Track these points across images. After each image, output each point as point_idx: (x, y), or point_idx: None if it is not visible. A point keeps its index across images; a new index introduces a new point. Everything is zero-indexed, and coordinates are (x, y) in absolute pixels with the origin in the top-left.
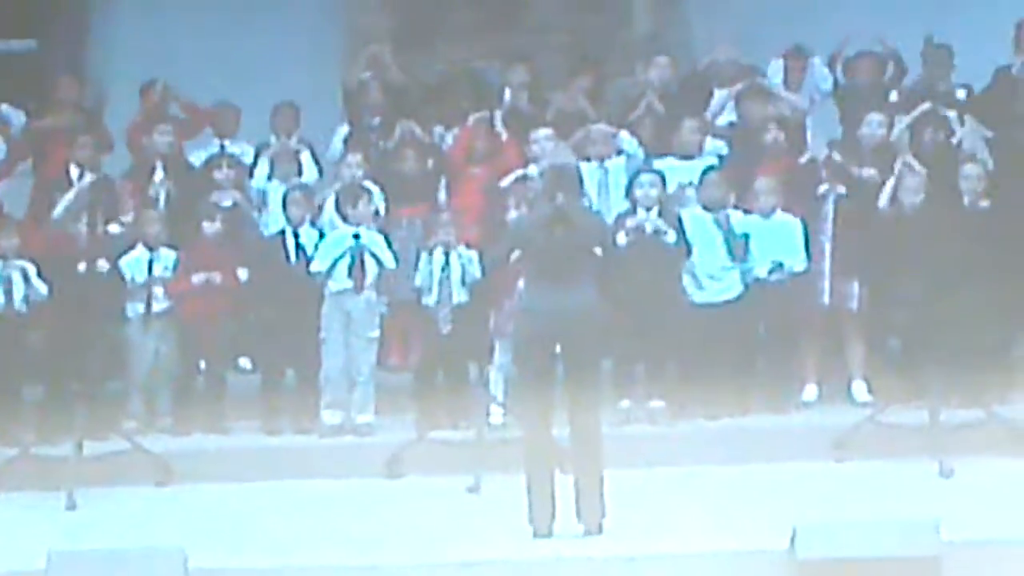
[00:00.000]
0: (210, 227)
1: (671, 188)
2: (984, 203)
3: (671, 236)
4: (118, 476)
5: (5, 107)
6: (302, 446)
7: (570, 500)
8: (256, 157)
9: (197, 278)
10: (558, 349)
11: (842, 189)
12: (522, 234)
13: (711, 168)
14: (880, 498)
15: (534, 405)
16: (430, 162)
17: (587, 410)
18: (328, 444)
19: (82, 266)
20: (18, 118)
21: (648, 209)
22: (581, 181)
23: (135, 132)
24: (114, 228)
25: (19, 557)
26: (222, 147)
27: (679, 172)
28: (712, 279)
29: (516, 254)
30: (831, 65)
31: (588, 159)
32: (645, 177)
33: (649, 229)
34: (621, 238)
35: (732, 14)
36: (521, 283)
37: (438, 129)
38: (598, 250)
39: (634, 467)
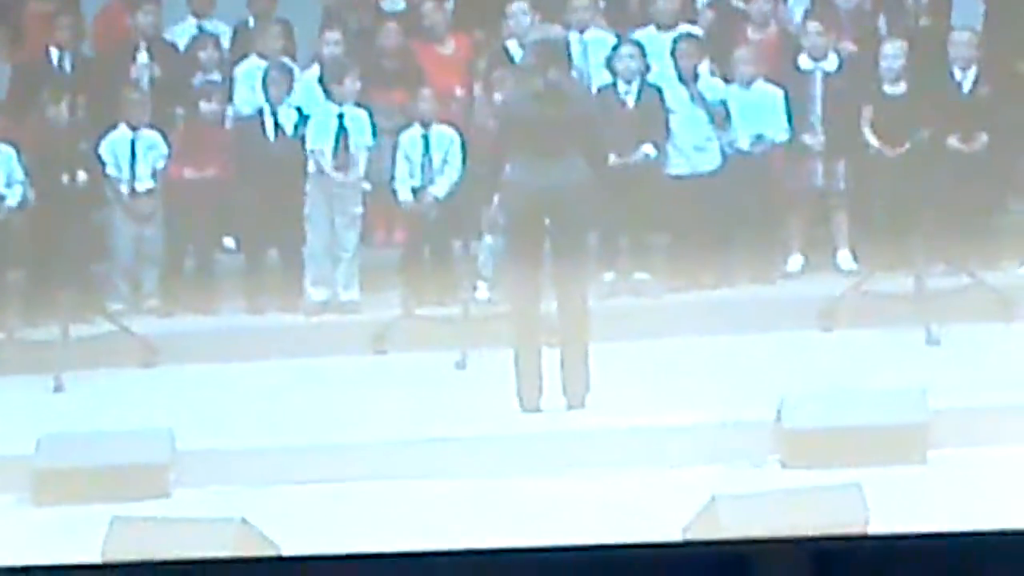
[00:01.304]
0: (206, 107)
1: (651, 59)
2: (971, 73)
3: (653, 108)
4: (105, 358)
5: None
6: (287, 325)
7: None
8: (234, 36)
9: (190, 164)
10: (547, 223)
11: (829, 66)
12: (510, 111)
13: (685, 35)
14: (867, 367)
15: (522, 279)
16: (408, 41)
17: (575, 283)
18: (313, 322)
19: (64, 149)
20: None
21: (628, 82)
22: (570, 54)
23: (113, 13)
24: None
25: (7, 441)
26: (200, 27)
27: (659, 43)
28: (693, 150)
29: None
30: None
31: (574, 28)
32: (625, 49)
33: (631, 102)
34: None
35: None
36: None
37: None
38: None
39: (619, 340)
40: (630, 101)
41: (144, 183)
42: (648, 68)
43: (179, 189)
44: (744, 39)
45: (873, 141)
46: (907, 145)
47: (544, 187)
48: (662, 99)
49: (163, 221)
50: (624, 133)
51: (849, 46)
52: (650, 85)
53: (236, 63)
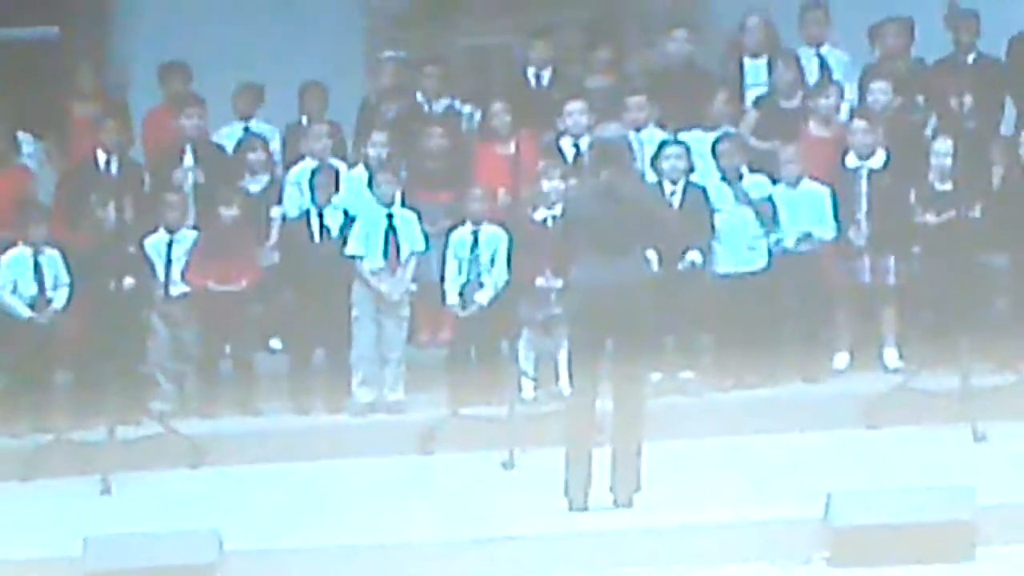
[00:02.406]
0: (227, 212)
1: (696, 160)
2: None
3: (698, 208)
4: (151, 460)
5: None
6: (334, 426)
7: (605, 473)
8: (284, 139)
9: (213, 265)
10: (609, 323)
11: (875, 164)
12: (573, 210)
13: (725, 134)
14: (914, 464)
15: (583, 377)
16: (457, 140)
17: (635, 382)
18: (360, 423)
19: (109, 252)
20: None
21: (674, 182)
22: (632, 153)
23: (160, 116)
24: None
25: (55, 543)
26: (246, 129)
27: (703, 143)
28: (739, 249)
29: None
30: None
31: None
32: (671, 149)
33: (676, 203)
34: None
35: None
36: (548, 267)
37: (465, 107)
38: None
39: (665, 439)
40: (675, 201)
41: (179, 287)
42: (692, 168)
43: (213, 293)
44: (793, 137)
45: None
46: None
47: (609, 285)
48: (707, 199)
49: (198, 324)
50: (671, 232)
51: (895, 143)
52: (695, 186)
53: (288, 166)
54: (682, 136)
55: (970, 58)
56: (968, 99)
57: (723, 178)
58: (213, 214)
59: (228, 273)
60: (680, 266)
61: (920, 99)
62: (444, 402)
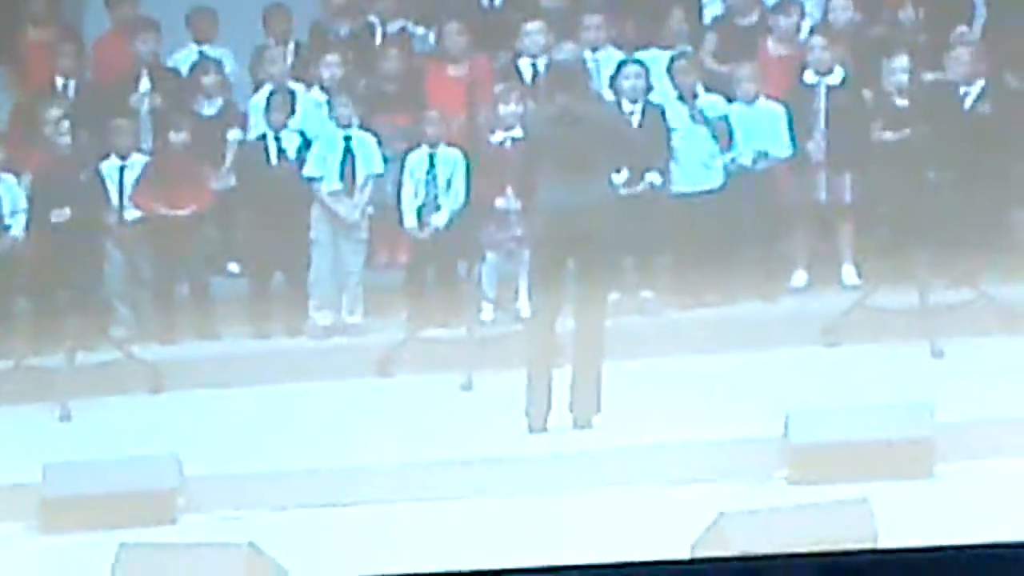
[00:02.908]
0: (176, 136)
1: (654, 79)
2: (974, 89)
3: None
4: (110, 385)
5: None
6: (293, 349)
7: (564, 394)
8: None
9: (162, 190)
10: (572, 243)
11: (833, 80)
12: (532, 132)
13: (681, 54)
14: (872, 382)
15: (545, 300)
16: (411, 63)
17: (595, 303)
18: (319, 346)
19: (66, 177)
20: None
21: (634, 101)
22: (589, 74)
23: (112, 41)
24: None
25: (14, 470)
26: (201, 53)
27: (661, 63)
28: (695, 168)
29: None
30: None
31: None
32: (630, 68)
33: (635, 123)
34: None
35: None
36: (510, 189)
37: (418, 29)
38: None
39: (624, 359)
40: (635, 121)
41: (132, 211)
42: (651, 88)
43: (167, 217)
44: (751, 56)
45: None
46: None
47: (570, 206)
48: (664, 118)
49: (152, 249)
50: (630, 153)
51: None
52: (653, 105)
53: (255, 90)
54: (639, 55)
55: None
56: (922, 12)
57: (679, 97)
58: (163, 139)
59: (179, 198)
60: (639, 186)
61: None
62: (402, 325)
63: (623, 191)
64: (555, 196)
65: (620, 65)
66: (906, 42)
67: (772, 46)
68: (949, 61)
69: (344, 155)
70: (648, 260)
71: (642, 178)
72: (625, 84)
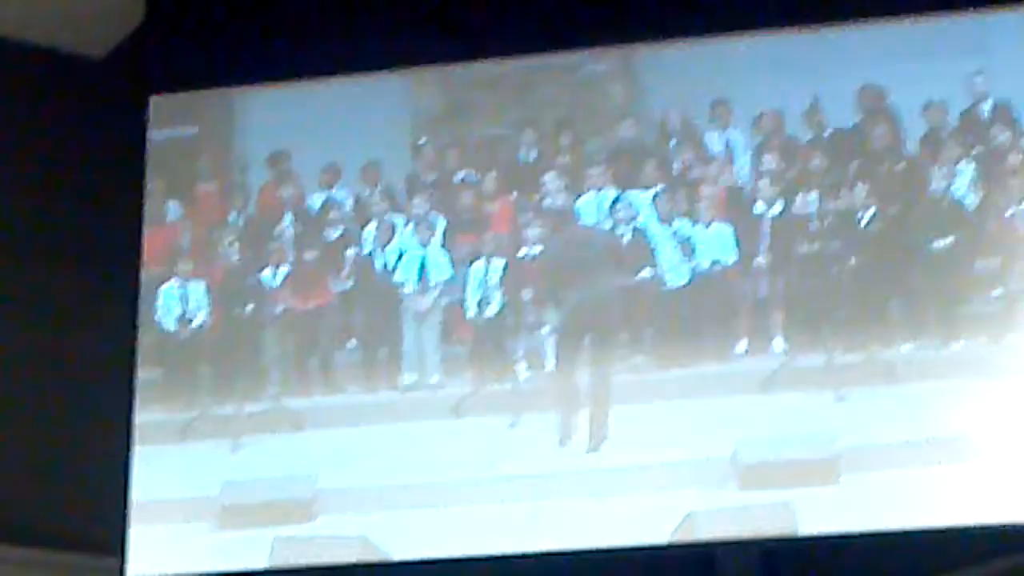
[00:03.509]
0: (310, 255)
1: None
2: (868, 214)
3: (641, 246)
4: (267, 426)
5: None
6: (391, 400)
7: (584, 430)
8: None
9: (298, 292)
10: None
11: (775, 211)
12: (550, 254)
13: (657, 193)
14: (795, 419)
15: (568, 364)
16: (473, 200)
17: (604, 367)
18: (408, 397)
19: (237, 282)
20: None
21: (626, 224)
22: (587, 210)
23: (269, 188)
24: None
25: (202, 487)
26: (328, 196)
27: (642, 199)
28: (671, 271)
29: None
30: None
31: (587, 191)
32: (620, 204)
33: (626, 241)
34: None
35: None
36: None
37: (477, 176)
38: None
39: (624, 404)
40: (626, 239)
41: (280, 306)
42: (636, 216)
43: (306, 310)
44: (706, 191)
45: (798, 263)
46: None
47: (586, 300)
48: (647, 237)
49: (295, 332)
50: (624, 262)
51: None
52: (638, 228)
53: (364, 224)
54: (628, 194)
55: (825, 134)
56: (826, 162)
57: (659, 221)
58: (301, 256)
59: (310, 296)
60: (635, 279)
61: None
62: (469, 382)
63: (619, 286)
64: (572, 293)
65: (614, 201)
66: (816, 182)
67: (718, 186)
68: (851, 195)
69: (420, 266)
70: (638, 335)
71: (634, 276)
72: (618, 215)
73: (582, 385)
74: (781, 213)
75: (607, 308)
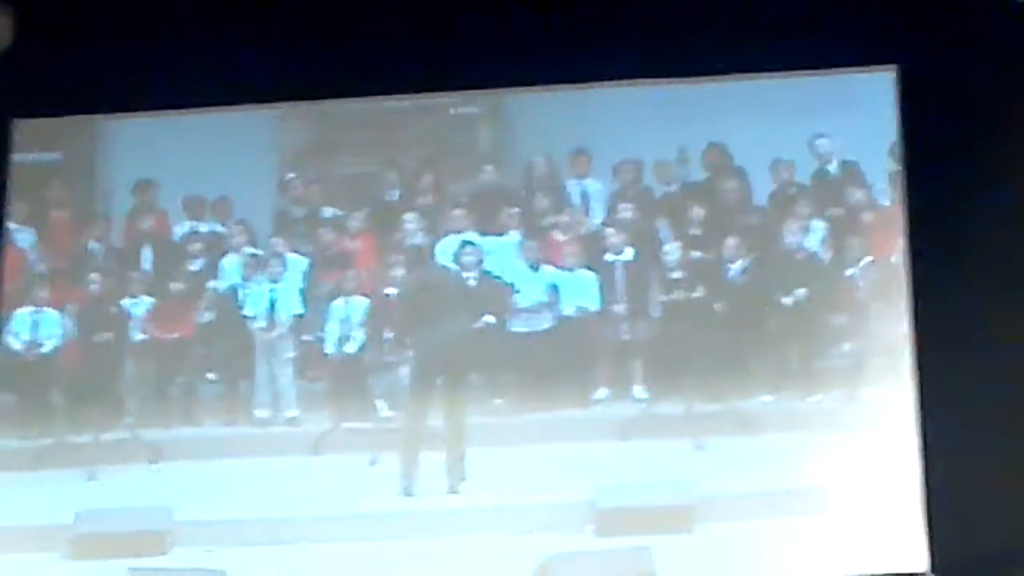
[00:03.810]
0: (175, 286)
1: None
2: (737, 266)
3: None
4: (123, 456)
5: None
6: (250, 434)
7: (436, 470)
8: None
9: (160, 322)
10: (438, 367)
11: (626, 258)
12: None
13: (524, 237)
14: (653, 465)
15: (420, 404)
16: (336, 237)
17: (457, 406)
18: (265, 433)
19: (95, 312)
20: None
21: (470, 269)
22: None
23: (133, 219)
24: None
25: (55, 515)
26: (191, 227)
27: (499, 245)
28: (530, 314)
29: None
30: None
31: (448, 233)
32: (467, 248)
33: (471, 284)
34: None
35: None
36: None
37: (341, 213)
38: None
39: (481, 446)
40: (471, 283)
41: (140, 335)
42: (482, 260)
43: (166, 342)
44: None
45: (658, 311)
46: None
47: (437, 341)
48: (501, 281)
49: (155, 362)
50: (470, 305)
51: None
52: (487, 272)
53: (222, 256)
54: (491, 239)
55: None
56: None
57: (529, 267)
58: (164, 287)
59: (172, 327)
60: (477, 325)
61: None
62: (328, 418)
63: (466, 330)
64: (424, 335)
65: (461, 245)
66: (679, 233)
67: (573, 234)
68: (723, 247)
69: (270, 302)
70: (496, 378)
71: (479, 320)
72: (465, 259)
73: (437, 426)
74: (635, 261)
75: (457, 350)
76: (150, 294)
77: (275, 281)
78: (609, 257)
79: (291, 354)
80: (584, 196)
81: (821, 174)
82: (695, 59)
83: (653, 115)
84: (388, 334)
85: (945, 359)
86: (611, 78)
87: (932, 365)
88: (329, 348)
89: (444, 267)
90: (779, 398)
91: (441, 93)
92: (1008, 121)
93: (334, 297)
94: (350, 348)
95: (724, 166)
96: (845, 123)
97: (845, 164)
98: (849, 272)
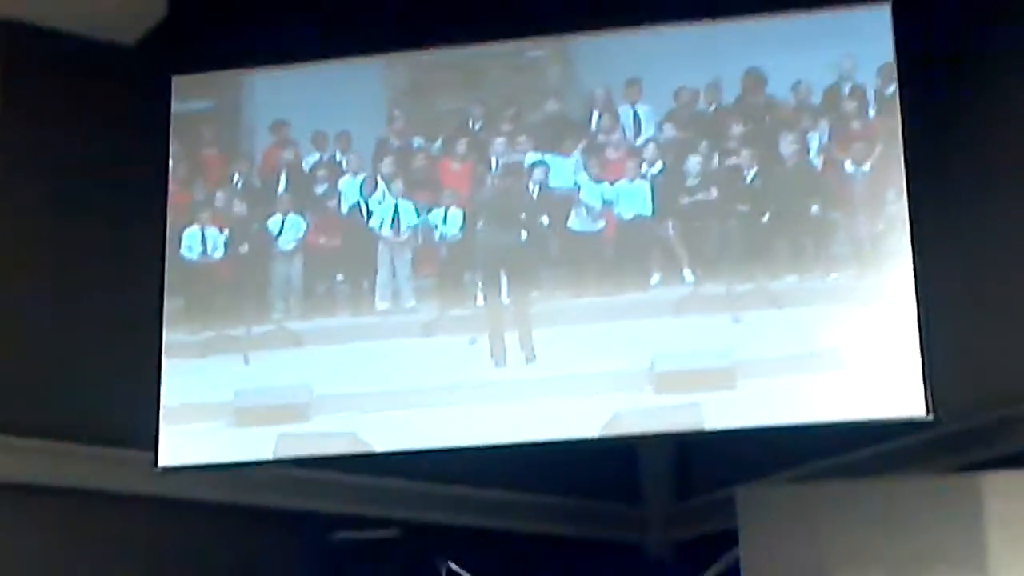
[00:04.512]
0: (308, 206)
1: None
2: (751, 173)
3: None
4: (271, 344)
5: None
6: (374, 323)
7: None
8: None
9: (318, 234)
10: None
11: (656, 170)
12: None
13: (584, 154)
14: (701, 336)
15: (493, 296)
16: (430, 163)
17: (525, 297)
18: (386, 321)
19: (254, 226)
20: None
21: (537, 185)
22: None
23: (271, 152)
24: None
25: (217, 393)
26: (320, 156)
27: (563, 163)
28: (587, 218)
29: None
30: None
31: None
32: (537, 167)
33: (536, 192)
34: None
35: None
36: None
37: (437, 144)
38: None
39: (550, 327)
40: (535, 192)
41: (290, 244)
42: (547, 176)
43: (315, 249)
44: (610, 160)
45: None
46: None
47: (505, 245)
48: (563, 192)
49: (303, 268)
50: (535, 213)
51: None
52: (551, 187)
53: (344, 180)
54: (557, 158)
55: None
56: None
57: (590, 180)
58: (300, 206)
59: (308, 239)
60: (541, 230)
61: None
62: (436, 308)
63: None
64: (496, 237)
65: (533, 164)
66: (715, 146)
67: (628, 150)
68: (739, 157)
69: (392, 215)
70: (559, 272)
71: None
72: (535, 172)
73: (525, 313)
74: (666, 171)
75: (524, 249)
76: (288, 212)
77: (395, 197)
78: (646, 169)
79: (409, 256)
80: (636, 118)
81: (832, 91)
82: (729, 3)
83: (695, 50)
84: (481, 235)
85: (940, 244)
86: (658, 21)
87: (930, 248)
88: (436, 249)
89: (517, 183)
90: (802, 278)
91: (516, 40)
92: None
93: (431, 209)
94: (449, 249)
95: (757, 88)
96: (851, 49)
97: (854, 86)
98: (851, 172)
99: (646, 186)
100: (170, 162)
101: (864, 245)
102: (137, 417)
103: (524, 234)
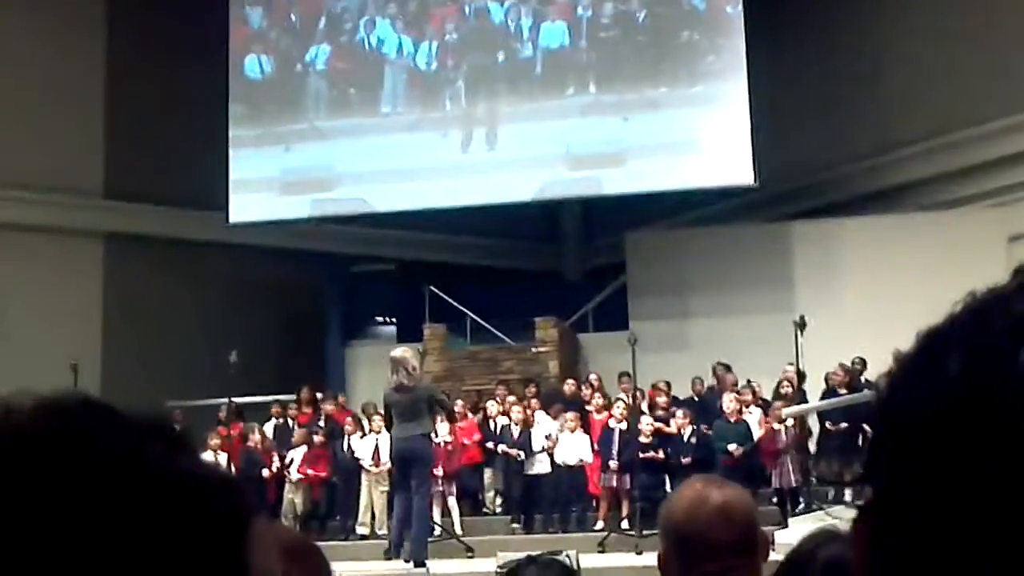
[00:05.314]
0: (343, 39)
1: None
2: None
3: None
4: (304, 138)
5: None
6: (377, 123)
7: (480, 138)
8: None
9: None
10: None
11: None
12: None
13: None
14: (601, 129)
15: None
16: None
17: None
18: (387, 120)
19: (294, 54)
20: None
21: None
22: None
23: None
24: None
25: (269, 171)
26: (348, 1)
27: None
28: (530, 50)
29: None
30: None
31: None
32: (511, 10)
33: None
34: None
35: None
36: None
37: None
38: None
39: (504, 125)
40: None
41: (320, 67)
42: (519, 17)
43: (335, 71)
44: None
45: (595, 43)
46: None
47: (473, 66)
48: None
49: (328, 82)
50: (496, 48)
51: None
52: (512, 24)
53: (367, 18)
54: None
55: None
56: None
57: (532, 19)
58: (336, 40)
59: (336, 63)
60: (500, 59)
61: None
62: (419, 111)
63: (501, 59)
64: (475, 60)
65: (507, 8)
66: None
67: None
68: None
69: (397, 44)
70: (508, 86)
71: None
72: (511, 14)
73: (481, 114)
74: (587, 15)
75: (494, 69)
76: (322, 43)
77: (397, 33)
78: (580, 12)
79: (404, 76)
80: None
81: None
82: None
83: None
84: (450, 63)
85: (765, 60)
86: None
87: (757, 64)
88: (421, 70)
89: (486, 22)
90: (673, 88)
91: None
92: None
93: (419, 42)
94: (432, 72)
95: None
96: None
97: None
98: (730, 13)
99: (564, 26)
100: (230, 9)
101: (719, 65)
102: (215, 186)
103: (501, 55)
